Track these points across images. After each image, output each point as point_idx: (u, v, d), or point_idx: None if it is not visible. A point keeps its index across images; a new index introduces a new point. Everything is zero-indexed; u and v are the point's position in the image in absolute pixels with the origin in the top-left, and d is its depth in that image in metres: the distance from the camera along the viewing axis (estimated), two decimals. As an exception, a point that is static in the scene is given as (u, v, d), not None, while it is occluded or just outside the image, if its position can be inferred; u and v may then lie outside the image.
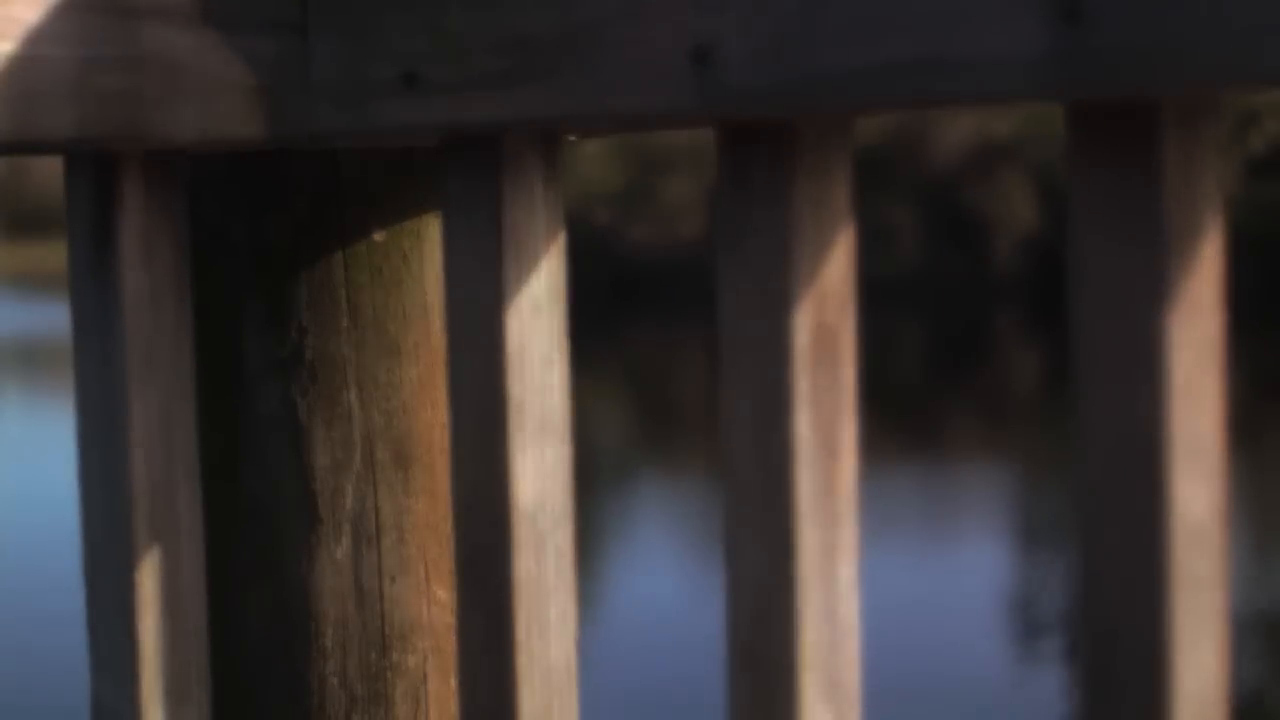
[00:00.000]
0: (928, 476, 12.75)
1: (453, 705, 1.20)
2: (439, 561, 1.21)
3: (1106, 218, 0.76)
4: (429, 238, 1.21)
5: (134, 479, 1.11)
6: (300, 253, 1.19)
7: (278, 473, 1.20)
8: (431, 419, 1.21)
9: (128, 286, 1.11)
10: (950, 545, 10.25)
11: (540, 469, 1.04)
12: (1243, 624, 7.68)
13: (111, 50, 1.05)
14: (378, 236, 1.20)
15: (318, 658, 1.20)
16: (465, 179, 1.05)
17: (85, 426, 1.15)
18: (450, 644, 1.20)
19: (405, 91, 1.04)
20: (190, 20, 1.07)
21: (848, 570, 0.91)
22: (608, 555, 9.67)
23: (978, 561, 9.72)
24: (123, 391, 1.11)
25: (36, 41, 1.02)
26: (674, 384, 19.09)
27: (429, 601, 1.21)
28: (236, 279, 1.20)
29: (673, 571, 9.39)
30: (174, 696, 1.13)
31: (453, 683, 1.20)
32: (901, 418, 15.12)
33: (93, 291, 1.13)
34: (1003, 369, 20.46)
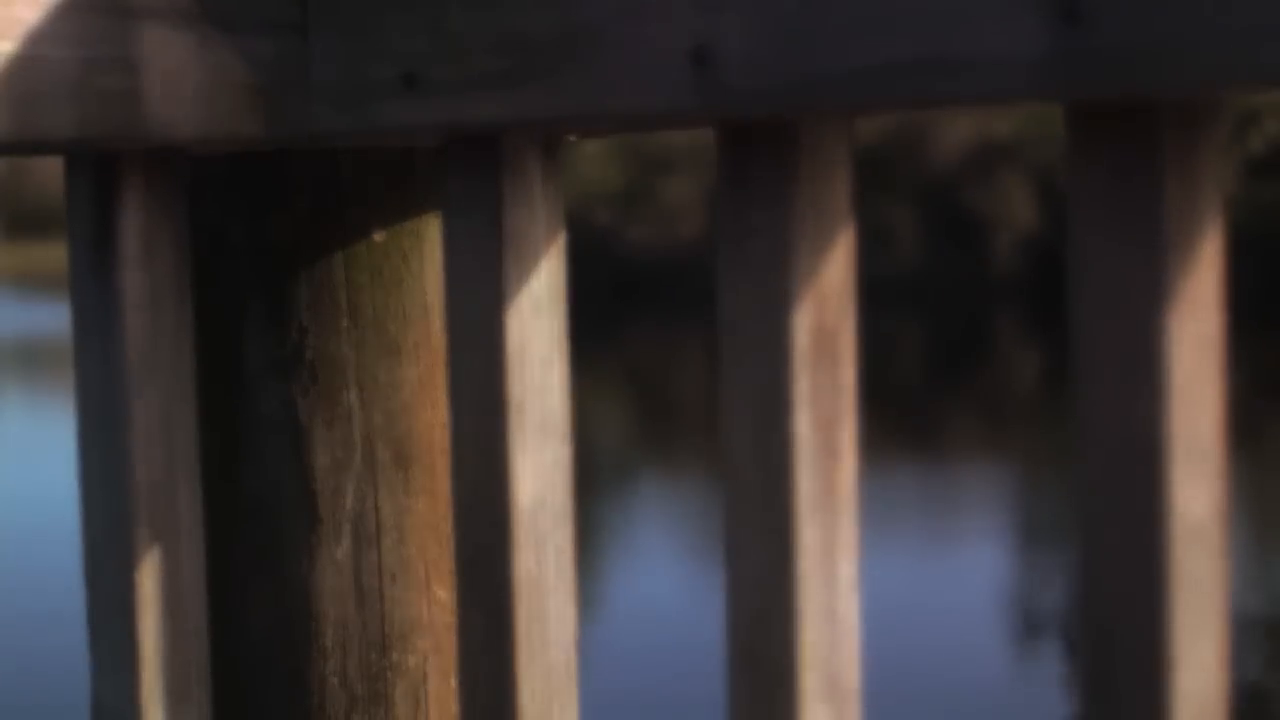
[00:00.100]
0: (928, 476, 12.75)
1: (453, 705, 1.21)
2: (439, 561, 1.21)
3: (1106, 218, 0.76)
4: (429, 238, 1.21)
5: (134, 479, 1.11)
6: (300, 253, 1.19)
7: (278, 472, 1.20)
8: (432, 419, 1.21)
9: (128, 286, 1.11)
10: (950, 545, 10.25)
11: (540, 469, 1.04)
12: (1242, 624, 7.68)
13: (112, 50, 1.05)
14: (378, 236, 1.20)
15: (318, 657, 1.20)
16: (465, 179, 1.05)
17: (86, 426, 1.15)
18: (450, 644, 1.20)
19: (405, 92, 1.04)
20: (190, 20, 1.07)
21: (848, 570, 0.91)
22: (608, 555, 9.67)
23: (978, 561, 9.72)
24: (123, 391, 1.11)
25: (37, 42, 1.02)
26: (674, 384, 19.09)
27: (429, 601, 1.21)
28: (237, 279, 1.20)
29: (673, 571, 9.39)
30: (174, 696, 1.13)
31: (453, 682, 1.20)
32: (901, 418, 15.12)
33: (93, 291, 1.13)
34: (1003, 369, 20.45)
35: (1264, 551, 9.76)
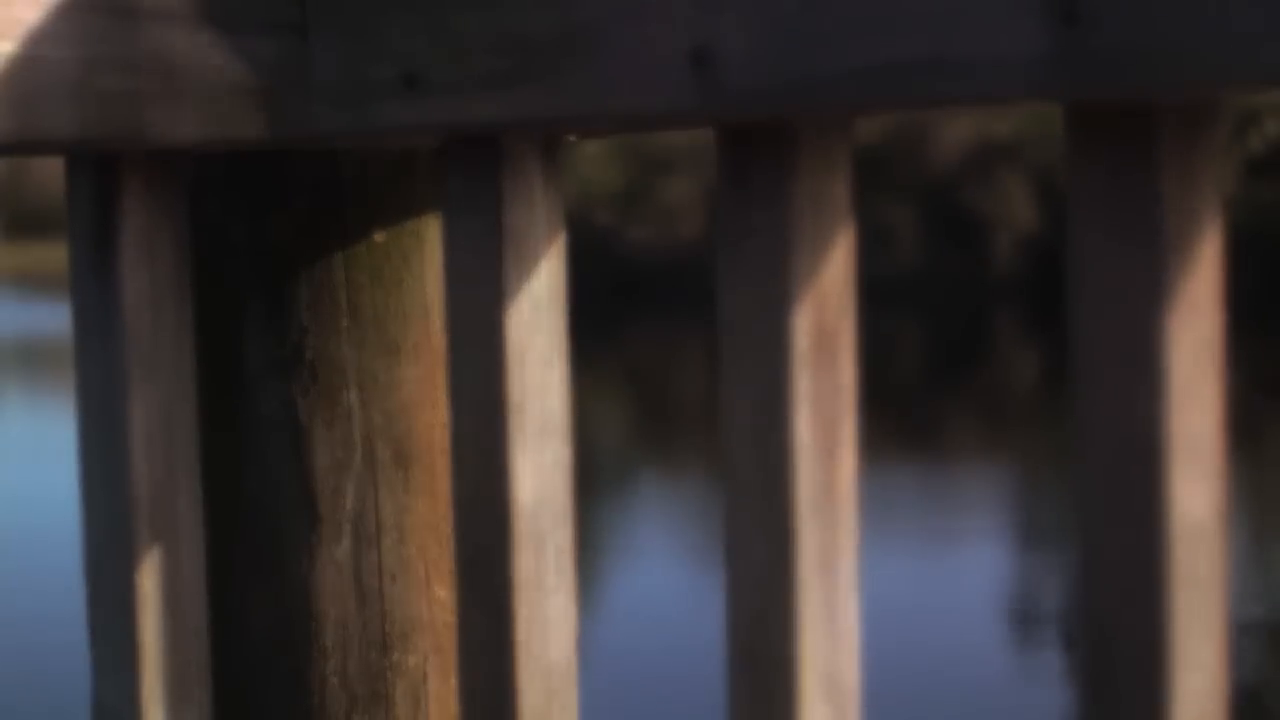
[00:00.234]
0: (927, 476, 12.75)
1: (453, 705, 1.21)
2: (439, 561, 1.21)
3: (1105, 218, 0.76)
4: (429, 238, 1.21)
5: (135, 479, 1.11)
6: (300, 253, 1.19)
7: (278, 472, 1.20)
8: (432, 419, 1.21)
9: (128, 286, 1.11)
10: (950, 545, 10.25)
11: (540, 469, 1.04)
12: (1242, 623, 7.68)
13: (112, 51, 1.05)
14: (378, 237, 1.20)
15: (318, 657, 1.20)
16: (465, 179, 1.05)
17: (86, 426, 1.15)
18: (451, 643, 1.20)
19: (405, 92, 1.04)
20: (190, 21, 1.07)
21: (847, 570, 0.91)
22: (608, 555, 9.67)
23: (977, 561, 9.72)
24: (123, 391, 1.11)
25: (37, 42, 1.02)
26: (674, 384, 19.09)
27: (429, 601, 1.21)
28: (237, 279, 1.20)
29: (673, 571, 9.39)
30: (175, 696, 1.13)
31: (453, 682, 1.20)
32: (901, 418, 15.12)
33: (94, 291, 1.13)
34: (1002, 369, 20.46)
35: (1264, 551, 9.76)
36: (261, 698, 1.21)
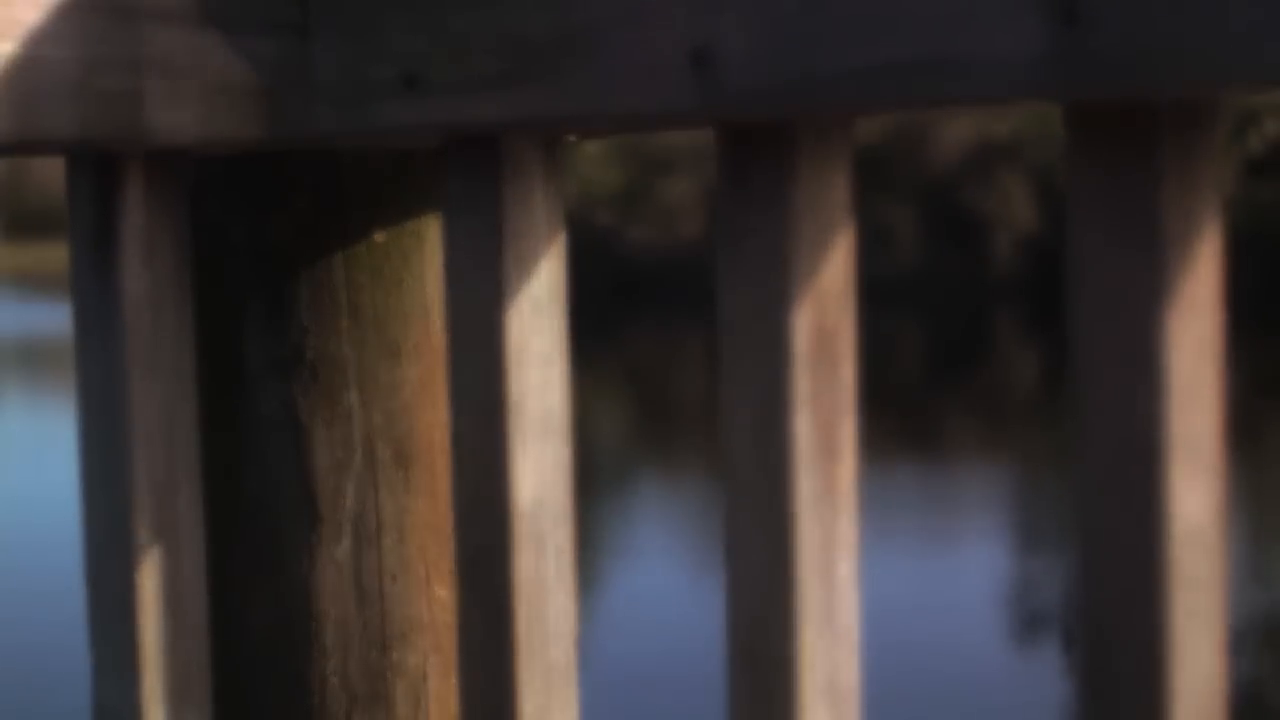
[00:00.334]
0: (927, 476, 12.75)
1: (453, 704, 1.21)
2: (439, 561, 1.21)
3: (1105, 218, 0.77)
4: (429, 238, 1.21)
5: (135, 478, 1.11)
6: (301, 253, 1.19)
7: (278, 472, 1.20)
8: (432, 419, 1.21)
9: (129, 286, 1.11)
10: (949, 545, 10.25)
11: (540, 469, 1.04)
12: (1241, 623, 7.68)
13: (112, 51, 1.05)
14: (378, 237, 1.20)
15: (318, 657, 1.20)
16: (465, 179, 1.05)
17: (87, 426, 1.15)
18: (451, 643, 1.20)
19: (405, 92, 1.04)
20: (191, 21, 1.07)
21: (847, 570, 0.91)
22: (608, 555, 9.67)
23: (977, 561, 9.72)
24: (124, 391, 1.11)
25: (38, 42, 1.02)
26: (674, 384, 19.09)
27: (429, 600, 1.21)
28: (237, 279, 1.20)
29: (673, 571, 9.39)
30: (175, 695, 1.13)
31: (453, 682, 1.20)
32: (901, 418, 15.12)
33: (94, 291, 1.13)
34: (1002, 369, 20.45)
35: (1263, 551, 9.76)
36: (261, 697, 1.21)
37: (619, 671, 6.91)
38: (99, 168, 1.12)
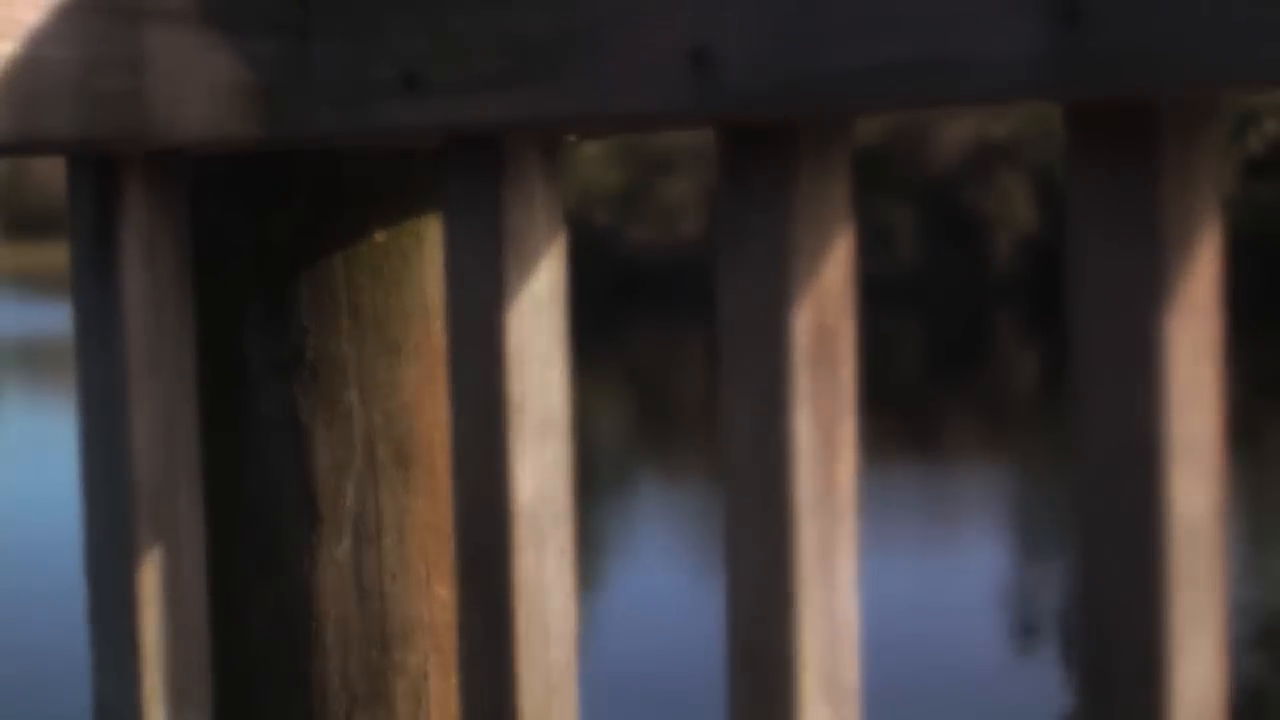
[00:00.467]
0: (927, 476, 12.75)
1: (454, 704, 1.21)
2: (440, 560, 1.21)
3: (1105, 218, 0.77)
4: (430, 238, 1.21)
5: (136, 478, 1.12)
6: (301, 253, 1.19)
7: (279, 472, 1.20)
8: (432, 419, 1.21)
9: (130, 286, 1.11)
10: (949, 545, 10.25)
11: (540, 468, 1.04)
12: (1241, 623, 7.68)
13: (113, 51, 1.05)
14: (378, 237, 1.20)
15: (319, 656, 1.20)
16: (465, 179, 1.05)
17: (87, 426, 1.15)
18: (451, 642, 1.20)
19: (405, 92, 1.04)
20: (191, 21, 1.07)
21: (847, 569, 0.91)
22: (608, 555, 9.67)
23: (977, 561, 9.72)
24: (124, 391, 1.11)
25: (38, 43, 1.03)
26: (674, 384, 19.09)
27: (430, 600, 1.21)
28: (238, 279, 1.20)
29: (673, 571, 9.39)
30: (176, 695, 1.13)
31: (454, 681, 1.20)
32: (901, 418, 15.12)
33: (95, 291, 1.13)
34: (1002, 369, 20.46)
35: (1262, 551, 9.76)
36: (262, 697, 1.21)
37: (619, 671, 6.91)
38: (99, 168, 1.12)
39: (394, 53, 1.05)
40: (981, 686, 7.27)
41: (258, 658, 1.21)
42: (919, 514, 10.92)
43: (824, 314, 0.90)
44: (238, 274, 1.20)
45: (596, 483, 11.30)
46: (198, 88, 1.07)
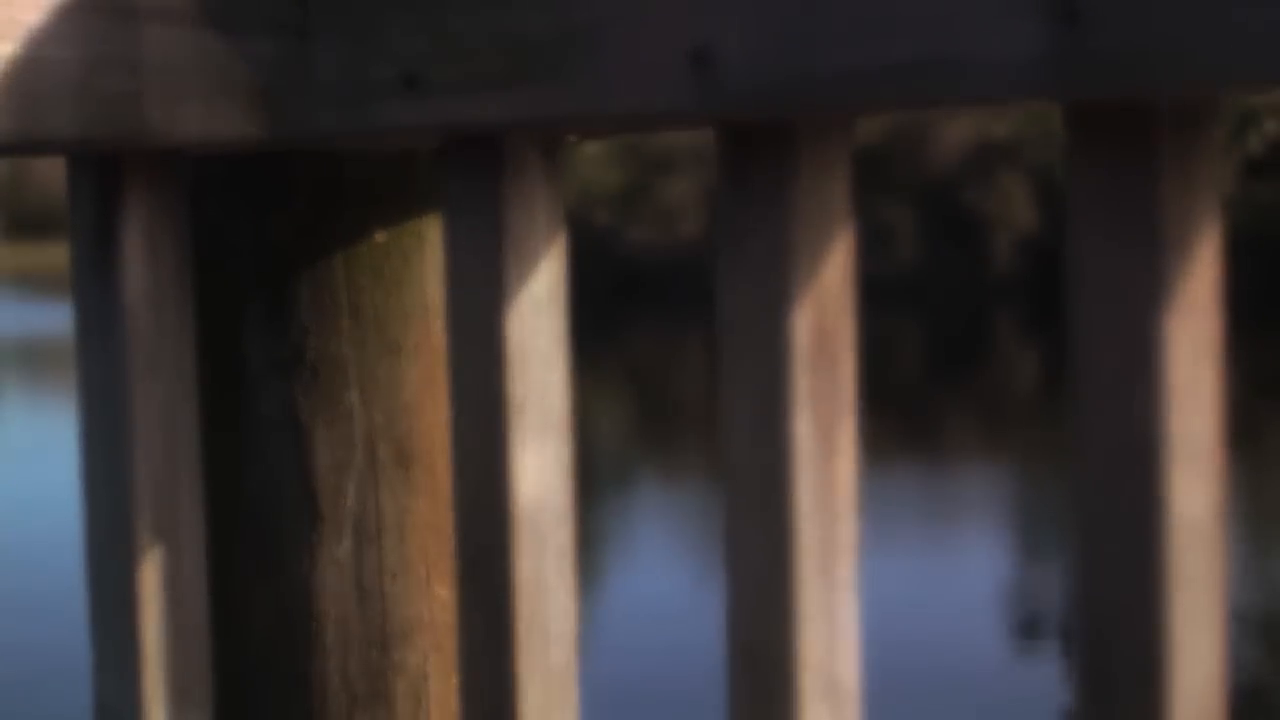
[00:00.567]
0: (927, 476, 12.75)
1: (454, 704, 1.21)
2: (440, 560, 1.21)
3: (1104, 218, 0.77)
4: (430, 238, 1.21)
5: (136, 478, 1.12)
6: (301, 253, 1.19)
7: (279, 472, 1.20)
8: (432, 419, 1.21)
9: (130, 286, 1.11)
10: (949, 545, 10.25)
11: (540, 469, 1.04)
12: (1241, 623, 7.68)
13: (113, 51, 1.05)
14: (379, 237, 1.20)
15: (319, 656, 1.20)
16: (466, 180, 1.05)
17: (88, 426, 1.15)
18: (451, 642, 1.20)
19: (406, 92, 1.04)
20: (191, 21, 1.07)
21: (847, 570, 0.91)
22: (608, 555, 9.67)
23: (976, 561, 9.72)
24: (125, 391, 1.11)
25: (39, 43, 1.03)
26: (674, 384, 19.09)
27: (430, 600, 1.21)
28: (238, 279, 1.20)
29: (673, 571, 9.39)
30: (176, 695, 1.13)
31: (454, 681, 1.20)
32: (901, 418, 15.12)
33: (95, 291, 1.13)
34: (1001, 369, 20.46)
35: (1262, 551, 9.76)
36: (262, 697, 1.21)
37: (619, 671, 6.91)
38: (100, 168, 1.12)
39: (394, 53, 1.05)
40: (981, 686, 7.27)
41: (258, 658, 1.21)
42: (919, 514, 10.92)
43: (823, 314, 0.90)
44: (238, 274, 1.20)
45: (596, 483, 11.29)
46: (198, 88, 1.08)
